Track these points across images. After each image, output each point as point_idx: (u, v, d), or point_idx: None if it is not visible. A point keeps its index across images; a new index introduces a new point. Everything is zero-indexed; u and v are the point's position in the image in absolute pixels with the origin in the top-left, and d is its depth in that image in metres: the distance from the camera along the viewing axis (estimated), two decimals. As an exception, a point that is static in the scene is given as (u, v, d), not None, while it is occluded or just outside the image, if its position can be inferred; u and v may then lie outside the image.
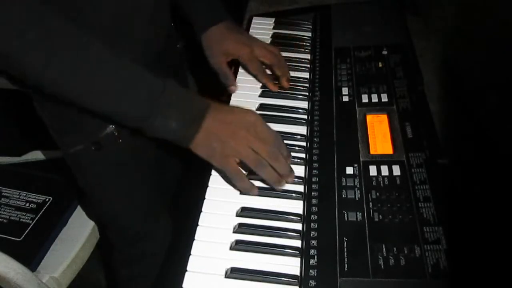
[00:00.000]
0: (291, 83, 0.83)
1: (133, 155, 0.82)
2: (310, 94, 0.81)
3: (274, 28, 0.96)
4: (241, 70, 0.87)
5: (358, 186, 0.64)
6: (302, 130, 0.75)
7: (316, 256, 0.58)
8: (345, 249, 0.58)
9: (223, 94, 0.85)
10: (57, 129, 0.78)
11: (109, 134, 0.76)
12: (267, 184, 0.66)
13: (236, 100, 0.81)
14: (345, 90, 0.79)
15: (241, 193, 0.67)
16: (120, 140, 0.77)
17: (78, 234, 1.02)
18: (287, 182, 0.67)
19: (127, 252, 1.02)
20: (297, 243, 0.60)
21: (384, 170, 0.66)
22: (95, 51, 0.60)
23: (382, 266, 0.55)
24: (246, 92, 0.83)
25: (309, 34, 0.95)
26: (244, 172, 0.66)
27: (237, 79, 0.85)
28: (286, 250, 0.59)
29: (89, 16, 0.67)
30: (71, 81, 0.60)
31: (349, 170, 0.66)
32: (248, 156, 0.64)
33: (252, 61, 0.83)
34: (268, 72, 0.84)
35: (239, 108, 0.68)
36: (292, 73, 0.84)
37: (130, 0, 0.71)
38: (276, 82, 0.83)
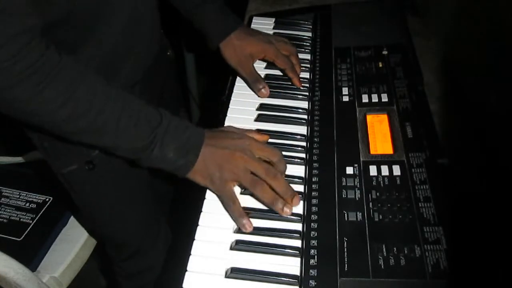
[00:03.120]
0: (291, 83, 0.83)
1: (127, 172, 0.81)
2: (310, 94, 0.81)
3: (274, 28, 0.96)
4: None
5: (358, 186, 0.64)
6: (302, 130, 0.75)
7: (316, 256, 0.58)
8: (345, 249, 0.58)
9: (223, 93, 0.85)
10: (49, 151, 0.76)
11: (102, 153, 0.75)
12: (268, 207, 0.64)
13: (236, 100, 0.81)
14: (345, 90, 0.79)
15: (241, 193, 0.66)
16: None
17: (78, 234, 1.02)
18: (290, 205, 0.63)
19: (127, 268, 1.01)
20: (297, 243, 0.60)
21: (384, 170, 0.66)
22: (101, 90, 0.60)
23: (382, 266, 0.55)
24: (246, 92, 0.82)
25: (309, 34, 0.95)
26: (238, 200, 0.64)
27: (236, 79, 0.85)
28: (286, 250, 0.59)
29: (92, 45, 0.67)
30: (79, 121, 0.59)
31: (349, 170, 0.66)
32: (245, 177, 0.64)
33: (278, 56, 0.82)
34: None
35: (233, 133, 0.69)
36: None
37: (133, 23, 0.71)
38: None
